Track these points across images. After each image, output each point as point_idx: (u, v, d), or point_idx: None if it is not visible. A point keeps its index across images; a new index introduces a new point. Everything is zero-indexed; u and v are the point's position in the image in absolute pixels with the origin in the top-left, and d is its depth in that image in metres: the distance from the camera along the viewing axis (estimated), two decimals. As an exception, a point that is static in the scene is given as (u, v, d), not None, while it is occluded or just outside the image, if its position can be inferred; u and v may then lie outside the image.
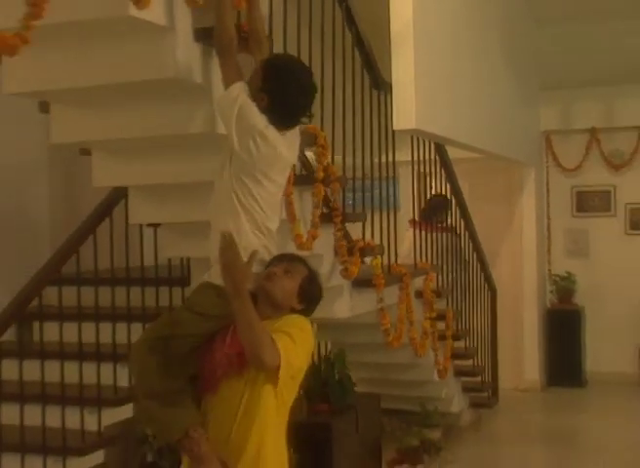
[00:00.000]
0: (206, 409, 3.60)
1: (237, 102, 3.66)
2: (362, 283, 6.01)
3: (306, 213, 5.18)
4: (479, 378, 8.70)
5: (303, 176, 5.12)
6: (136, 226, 5.77)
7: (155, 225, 5.71)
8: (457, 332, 7.81)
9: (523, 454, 7.94)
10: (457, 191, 8.06)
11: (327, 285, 5.48)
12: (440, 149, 7.54)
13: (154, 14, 3.76)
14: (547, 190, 10.77)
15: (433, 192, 8.00)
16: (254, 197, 3.72)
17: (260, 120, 3.67)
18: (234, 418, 3.48)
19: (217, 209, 3.88)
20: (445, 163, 7.67)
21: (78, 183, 6.80)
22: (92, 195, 5.71)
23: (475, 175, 8.64)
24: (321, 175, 5.18)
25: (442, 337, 7.46)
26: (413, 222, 7.49)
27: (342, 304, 5.91)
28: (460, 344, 8.05)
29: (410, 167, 7.08)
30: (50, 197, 6.73)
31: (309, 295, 3.78)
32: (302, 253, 5.15)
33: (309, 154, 5.32)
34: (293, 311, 3.68)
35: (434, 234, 7.47)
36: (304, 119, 3.93)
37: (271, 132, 3.70)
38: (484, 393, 8.89)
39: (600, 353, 10.24)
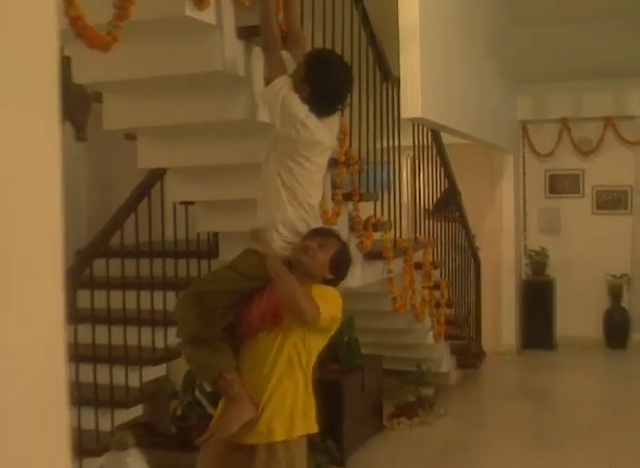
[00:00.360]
0: (243, 356, 3.73)
1: (280, 94, 3.77)
2: (372, 255, 6.09)
3: (327, 191, 5.26)
4: (466, 342, 8.80)
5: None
6: (169, 204, 5.86)
7: (187, 203, 5.78)
8: (449, 301, 7.91)
9: (504, 408, 8.06)
10: (450, 176, 8.13)
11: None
12: (437, 136, 7.60)
13: (206, 14, 3.84)
14: (524, 174, 10.82)
15: (446, 186, 8.10)
16: (295, 177, 3.83)
17: (301, 109, 3.77)
18: (267, 364, 3.62)
19: (263, 188, 3.98)
20: (440, 149, 7.73)
21: (112, 166, 6.87)
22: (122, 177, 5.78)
23: (461, 159, 8.69)
24: (342, 158, 5.24)
25: (437, 305, 7.56)
26: (427, 212, 7.58)
27: (355, 275, 5.95)
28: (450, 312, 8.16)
29: (403, 152, 7.10)
30: (88, 179, 6.76)
31: (340, 267, 3.90)
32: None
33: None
34: (324, 280, 3.80)
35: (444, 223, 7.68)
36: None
37: (311, 120, 3.80)
38: (469, 355, 8.98)
39: (569, 319, 10.36)
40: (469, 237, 8.89)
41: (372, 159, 5.99)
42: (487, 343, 9.57)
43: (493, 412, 8.15)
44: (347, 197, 5.41)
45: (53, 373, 1.32)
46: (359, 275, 5.99)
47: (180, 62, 4.03)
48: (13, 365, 1.20)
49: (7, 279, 1.18)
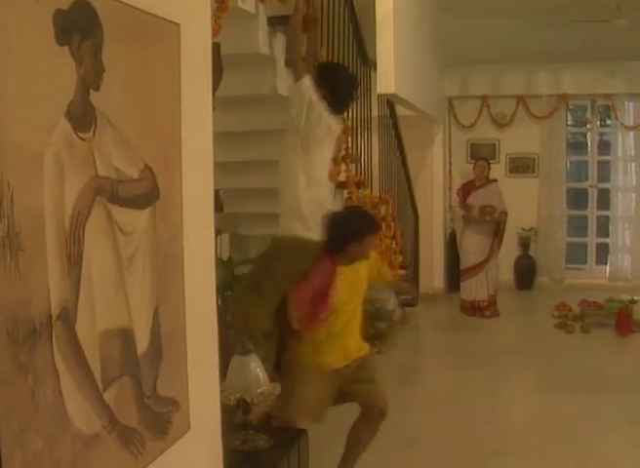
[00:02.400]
0: (331, 324, 4.02)
1: (307, 94, 4.12)
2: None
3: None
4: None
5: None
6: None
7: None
8: (402, 248, 8.31)
9: (441, 338, 8.58)
10: (401, 142, 8.50)
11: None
12: (393, 109, 7.97)
13: (248, 4, 4.19)
14: (449, 142, 11.25)
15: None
16: (311, 157, 4.20)
17: (320, 107, 4.15)
18: (353, 325, 4.16)
19: (283, 169, 4.35)
20: (395, 119, 8.11)
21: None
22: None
23: (402, 128, 9.03)
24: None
25: (393, 252, 7.91)
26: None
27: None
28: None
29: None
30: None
31: None
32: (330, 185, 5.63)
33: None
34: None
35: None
36: None
37: (326, 115, 4.18)
38: (409, 295, 9.34)
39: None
40: (412, 195, 9.31)
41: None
42: (421, 286, 9.96)
43: (433, 342, 8.65)
44: (343, 159, 5.76)
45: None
46: (341, 225, 6.34)
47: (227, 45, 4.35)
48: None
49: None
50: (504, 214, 9.36)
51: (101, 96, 1.79)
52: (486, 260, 9.34)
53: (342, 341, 4.07)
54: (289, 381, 3.95)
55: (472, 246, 9.35)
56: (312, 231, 4.09)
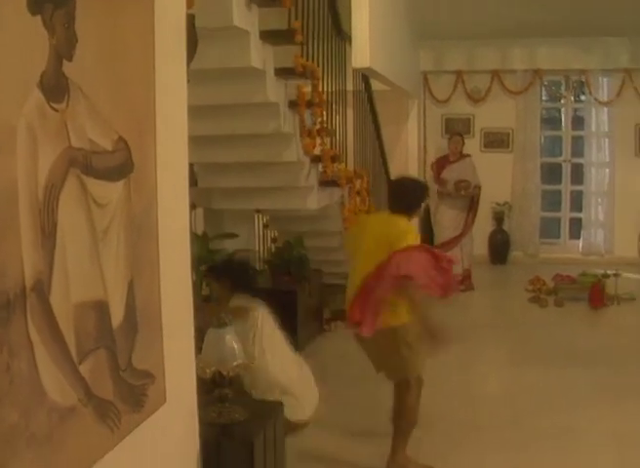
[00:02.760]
0: None
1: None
2: (326, 183, 6.45)
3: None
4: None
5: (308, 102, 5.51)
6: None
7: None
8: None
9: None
10: (375, 116, 8.48)
11: (304, 184, 5.97)
12: (367, 83, 7.94)
13: (244, 22, 4.19)
14: (424, 117, 11.21)
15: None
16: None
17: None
18: None
19: None
20: (370, 94, 8.09)
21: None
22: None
23: (377, 103, 9.01)
24: (317, 100, 5.57)
25: None
26: None
27: (312, 199, 6.33)
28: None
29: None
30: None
31: None
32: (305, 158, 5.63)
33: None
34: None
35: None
36: None
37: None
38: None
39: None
40: (387, 169, 9.31)
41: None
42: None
43: (406, 316, 8.65)
44: (318, 133, 5.74)
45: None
46: (316, 199, 6.35)
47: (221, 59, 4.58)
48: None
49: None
50: (478, 188, 9.40)
51: (75, 66, 1.77)
52: (461, 235, 9.39)
53: None
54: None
55: (447, 220, 9.39)
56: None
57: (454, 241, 9.32)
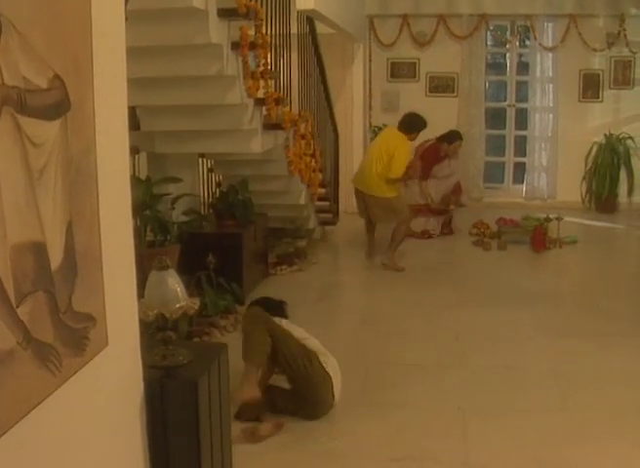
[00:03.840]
0: None
1: None
2: (270, 126, 6.42)
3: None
4: (329, 203, 9.24)
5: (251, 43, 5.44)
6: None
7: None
8: (321, 166, 8.32)
9: (359, 256, 8.59)
10: (320, 62, 8.41)
11: (248, 127, 5.93)
12: (312, 26, 7.87)
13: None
14: (370, 61, 11.16)
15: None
16: None
17: None
18: None
19: None
20: (315, 37, 8.02)
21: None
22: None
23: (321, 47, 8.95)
24: (260, 41, 5.49)
25: (313, 170, 7.95)
26: None
27: (257, 142, 6.30)
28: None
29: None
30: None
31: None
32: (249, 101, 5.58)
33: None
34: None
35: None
36: None
37: None
38: (330, 214, 9.44)
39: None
40: (332, 113, 9.29)
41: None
42: (340, 204, 10.03)
43: (351, 259, 8.69)
44: (262, 75, 5.69)
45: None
46: (260, 142, 6.32)
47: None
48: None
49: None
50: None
51: (7, 1, 1.71)
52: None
53: None
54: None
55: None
56: None
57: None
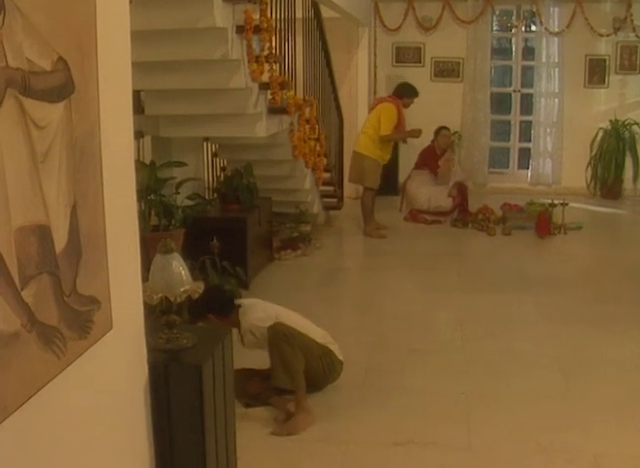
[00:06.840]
0: None
1: None
2: (275, 110, 6.41)
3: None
4: (333, 188, 9.25)
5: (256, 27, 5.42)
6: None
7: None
8: (326, 151, 8.30)
9: (363, 241, 8.65)
10: (325, 46, 8.37)
11: (252, 111, 5.91)
12: (317, 10, 7.83)
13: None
14: (375, 45, 11.12)
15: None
16: None
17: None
18: None
19: None
20: (320, 21, 7.98)
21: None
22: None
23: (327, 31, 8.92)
24: (265, 25, 5.47)
25: (317, 155, 7.93)
26: None
27: (261, 126, 6.29)
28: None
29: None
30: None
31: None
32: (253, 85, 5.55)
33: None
34: None
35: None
36: None
37: None
38: (334, 199, 9.45)
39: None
40: (336, 98, 9.26)
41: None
42: (345, 189, 10.03)
43: (355, 244, 8.73)
44: (267, 59, 5.67)
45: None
46: (265, 126, 6.31)
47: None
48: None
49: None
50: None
51: (10, -18, 1.70)
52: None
53: None
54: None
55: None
56: None
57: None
